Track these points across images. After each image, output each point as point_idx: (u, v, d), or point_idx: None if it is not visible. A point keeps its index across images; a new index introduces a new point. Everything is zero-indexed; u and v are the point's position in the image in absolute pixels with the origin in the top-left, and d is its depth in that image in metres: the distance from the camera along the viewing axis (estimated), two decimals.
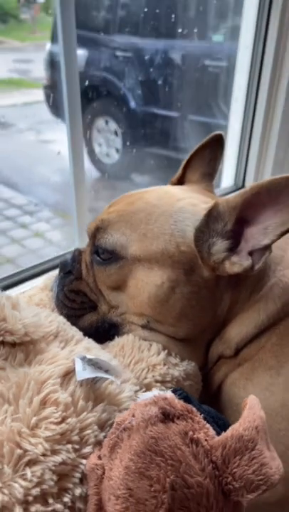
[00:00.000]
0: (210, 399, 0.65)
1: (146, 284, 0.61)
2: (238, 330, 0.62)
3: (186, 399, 0.45)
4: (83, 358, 0.49)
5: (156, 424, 0.40)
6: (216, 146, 0.78)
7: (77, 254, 0.70)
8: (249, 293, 0.62)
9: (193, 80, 3.05)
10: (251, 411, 0.42)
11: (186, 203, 0.63)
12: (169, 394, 0.44)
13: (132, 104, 3.27)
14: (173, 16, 3.00)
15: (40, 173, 3.42)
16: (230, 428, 0.40)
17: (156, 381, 0.57)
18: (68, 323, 0.60)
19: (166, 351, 0.61)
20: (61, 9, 0.72)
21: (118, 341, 0.62)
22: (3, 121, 3.95)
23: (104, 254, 0.64)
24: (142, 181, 3.38)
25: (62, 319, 0.60)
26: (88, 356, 0.49)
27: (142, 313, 0.63)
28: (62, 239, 2.70)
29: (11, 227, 2.74)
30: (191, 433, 0.39)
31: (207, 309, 0.62)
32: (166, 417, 0.40)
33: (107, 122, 3.36)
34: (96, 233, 0.65)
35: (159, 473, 0.37)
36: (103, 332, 0.65)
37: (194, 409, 0.42)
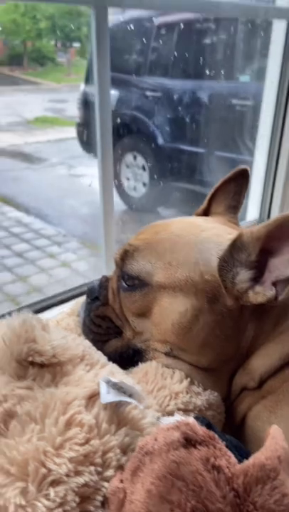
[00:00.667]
0: (233, 431, 0.64)
1: (171, 311, 0.63)
2: (262, 361, 0.62)
3: (208, 426, 0.45)
4: (108, 381, 0.50)
5: (178, 449, 0.40)
6: (241, 179, 0.80)
7: (104, 281, 0.73)
8: (273, 324, 0.63)
9: (220, 118, 3.13)
10: (274, 441, 0.42)
11: (211, 234, 0.65)
12: (191, 420, 0.44)
13: (160, 140, 3.37)
14: (201, 58, 3.13)
15: (69, 206, 3.54)
16: (252, 456, 0.40)
17: (179, 409, 0.57)
18: (94, 348, 0.61)
19: (188, 379, 0.61)
20: (97, 54, 0.78)
21: (142, 367, 0.63)
22: (38, 156, 4.15)
23: (130, 281, 0.66)
24: (168, 215, 3.44)
25: (88, 343, 0.61)
26: (113, 380, 0.50)
27: (165, 340, 0.64)
28: (89, 269, 2.75)
29: (39, 257, 2.82)
30: (212, 459, 0.39)
31: (231, 339, 0.63)
32: (188, 442, 0.41)
33: (135, 157, 3.48)
34: (123, 260, 0.68)
35: (180, 498, 0.37)
36: (127, 358, 0.66)
37: (216, 436, 0.43)
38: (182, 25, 3.18)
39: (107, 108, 0.85)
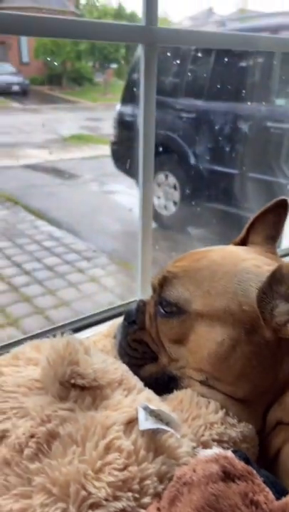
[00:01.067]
0: (266, 465, 0.64)
1: (207, 340, 0.63)
2: None
3: (246, 461, 0.45)
4: (146, 408, 0.52)
5: (217, 482, 0.40)
6: (280, 210, 0.81)
7: (142, 305, 0.74)
8: None
9: (254, 140, 3.14)
10: None
11: (250, 264, 0.66)
12: (229, 453, 0.44)
13: (192, 160, 3.40)
14: (237, 80, 3.17)
15: (100, 222, 3.61)
16: None
17: (213, 440, 0.57)
18: (131, 372, 0.62)
19: (224, 410, 0.61)
20: (145, 88, 0.81)
21: (177, 395, 0.63)
22: (72, 173, 4.27)
23: (168, 307, 0.67)
24: (197, 234, 3.45)
25: (125, 367, 0.63)
26: (151, 407, 0.52)
27: (201, 368, 0.64)
28: (116, 285, 2.79)
29: (68, 271, 2.88)
30: (251, 494, 0.40)
31: (268, 371, 0.63)
32: (227, 476, 0.41)
33: (166, 177, 3.52)
34: (161, 286, 0.69)
35: None
36: (162, 384, 0.67)
37: (254, 471, 0.43)
38: (219, 48, 3.23)
39: (151, 137, 0.88)
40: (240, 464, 0.43)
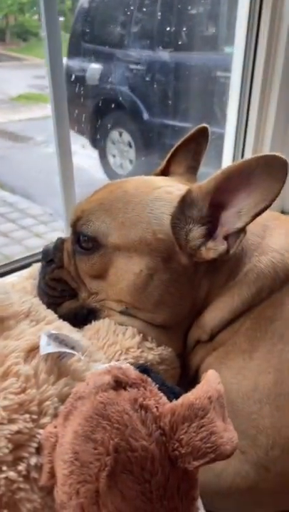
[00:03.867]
0: (189, 384, 0.65)
1: (125, 272, 0.62)
2: (213, 315, 0.62)
3: (145, 372, 0.45)
4: (50, 335, 0.50)
5: (107, 391, 0.40)
6: (201, 138, 0.79)
7: (60, 243, 0.71)
8: (225, 279, 0.62)
9: (204, 91, 3.07)
10: (207, 383, 0.42)
11: (162, 191, 0.64)
12: (125, 365, 0.44)
13: (145, 115, 3.31)
14: (185, 29, 3.06)
15: (55, 185, 3.50)
16: (182, 396, 0.40)
17: (129, 363, 0.57)
18: (43, 306, 0.61)
19: (141, 335, 0.61)
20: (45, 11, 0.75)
21: (94, 325, 0.63)
22: (22, 135, 4.08)
23: (86, 243, 0.65)
24: None
25: (37, 301, 0.61)
26: (54, 332, 0.50)
27: (120, 299, 0.64)
28: None
29: (26, 237, 2.80)
30: (141, 399, 0.39)
31: (185, 297, 0.63)
32: (118, 384, 0.41)
33: (120, 134, 3.42)
34: (77, 222, 0.66)
35: (104, 436, 0.37)
36: (82, 318, 0.66)
37: (149, 379, 0.43)
38: None
39: (59, 62, 0.83)
40: (134, 373, 0.42)
